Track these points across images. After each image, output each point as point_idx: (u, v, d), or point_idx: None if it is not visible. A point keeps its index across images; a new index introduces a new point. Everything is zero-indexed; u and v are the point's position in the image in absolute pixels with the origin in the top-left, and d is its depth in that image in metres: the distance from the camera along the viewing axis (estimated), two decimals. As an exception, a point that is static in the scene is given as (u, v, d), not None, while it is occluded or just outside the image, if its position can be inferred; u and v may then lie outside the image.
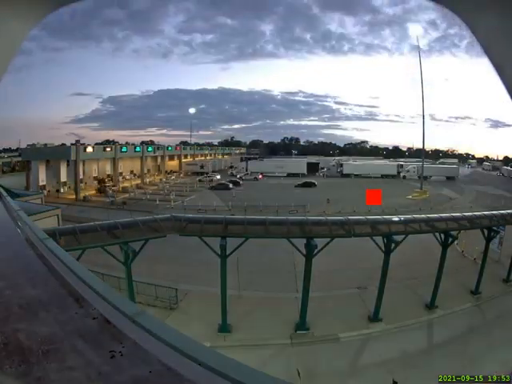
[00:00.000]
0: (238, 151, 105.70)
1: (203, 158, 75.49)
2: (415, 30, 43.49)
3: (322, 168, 64.94)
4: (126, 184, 45.14)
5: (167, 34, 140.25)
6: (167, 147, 60.40)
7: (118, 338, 1.93)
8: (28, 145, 45.27)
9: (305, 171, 59.26)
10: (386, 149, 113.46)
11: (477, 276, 16.31)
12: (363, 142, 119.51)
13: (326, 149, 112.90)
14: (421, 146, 54.87)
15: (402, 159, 77.86)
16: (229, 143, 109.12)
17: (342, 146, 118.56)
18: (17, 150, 55.31)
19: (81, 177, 41.65)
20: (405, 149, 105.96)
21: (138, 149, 51.09)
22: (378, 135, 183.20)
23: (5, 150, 64.90)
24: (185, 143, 69.13)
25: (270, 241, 17.27)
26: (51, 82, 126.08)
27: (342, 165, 61.52)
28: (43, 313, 2.30)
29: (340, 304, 15.00)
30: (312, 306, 13.57)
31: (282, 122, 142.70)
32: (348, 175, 57.67)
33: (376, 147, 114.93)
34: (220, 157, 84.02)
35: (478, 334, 12.99)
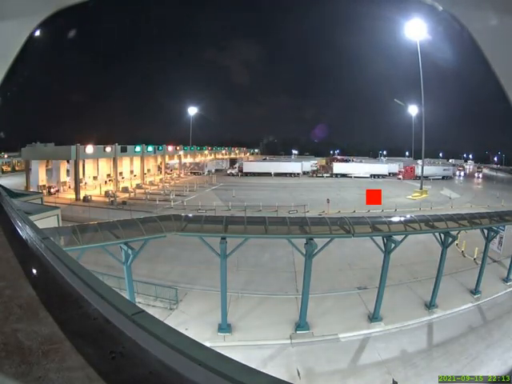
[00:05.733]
0: (237, 151, 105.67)
1: (203, 158, 76.02)
2: (414, 29, 43.46)
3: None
4: (126, 184, 45.21)
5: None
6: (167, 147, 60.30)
7: (118, 338, 1.94)
8: (28, 144, 45.07)
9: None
10: (387, 148, 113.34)
11: (477, 276, 16.33)
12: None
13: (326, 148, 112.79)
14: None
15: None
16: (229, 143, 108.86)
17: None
18: (17, 149, 55.19)
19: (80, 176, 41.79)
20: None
21: (138, 149, 51.01)
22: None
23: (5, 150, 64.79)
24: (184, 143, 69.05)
25: (270, 240, 17.32)
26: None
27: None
28: (43, 313, 2.30)
29: (340, 304, 15.02)
30: (312, 305, 13.58)
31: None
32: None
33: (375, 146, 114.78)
34: (220, 156, 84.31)
35: (478, 334, 13.01)
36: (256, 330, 12.92)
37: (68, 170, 43.72)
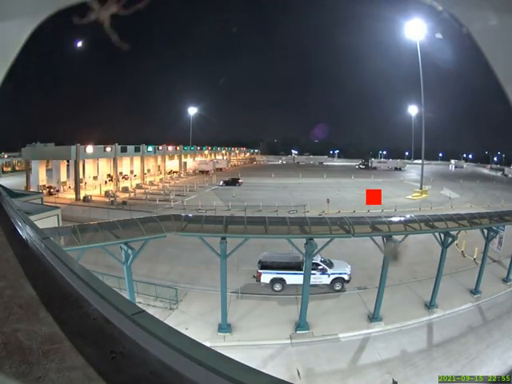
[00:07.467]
0: (237, 151, 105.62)
1: (203, 158, 76.38)
2: (414, 29, 43.53)
3: None
4: (126, 184, 45.21)
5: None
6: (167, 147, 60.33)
7: (118, 337, 1.94)
8: (28, 144, 45.09)
9: None
10: (387, 148, 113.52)
11: (476, 276, 16.33)
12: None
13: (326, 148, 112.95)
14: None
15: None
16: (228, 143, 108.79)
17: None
18: (17, 149, 55.18)
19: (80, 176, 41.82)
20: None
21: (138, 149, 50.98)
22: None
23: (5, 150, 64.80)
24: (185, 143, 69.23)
25: (270, 240, 17.33)
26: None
27: None
28: (43, 313, 2.30)
29: (340, 304, 15.03)
30: (312, 305, 13.58)
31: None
32: None
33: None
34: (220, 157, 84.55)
35: (478, 333, 13.00)
36: (256, 330, 12.92)
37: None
